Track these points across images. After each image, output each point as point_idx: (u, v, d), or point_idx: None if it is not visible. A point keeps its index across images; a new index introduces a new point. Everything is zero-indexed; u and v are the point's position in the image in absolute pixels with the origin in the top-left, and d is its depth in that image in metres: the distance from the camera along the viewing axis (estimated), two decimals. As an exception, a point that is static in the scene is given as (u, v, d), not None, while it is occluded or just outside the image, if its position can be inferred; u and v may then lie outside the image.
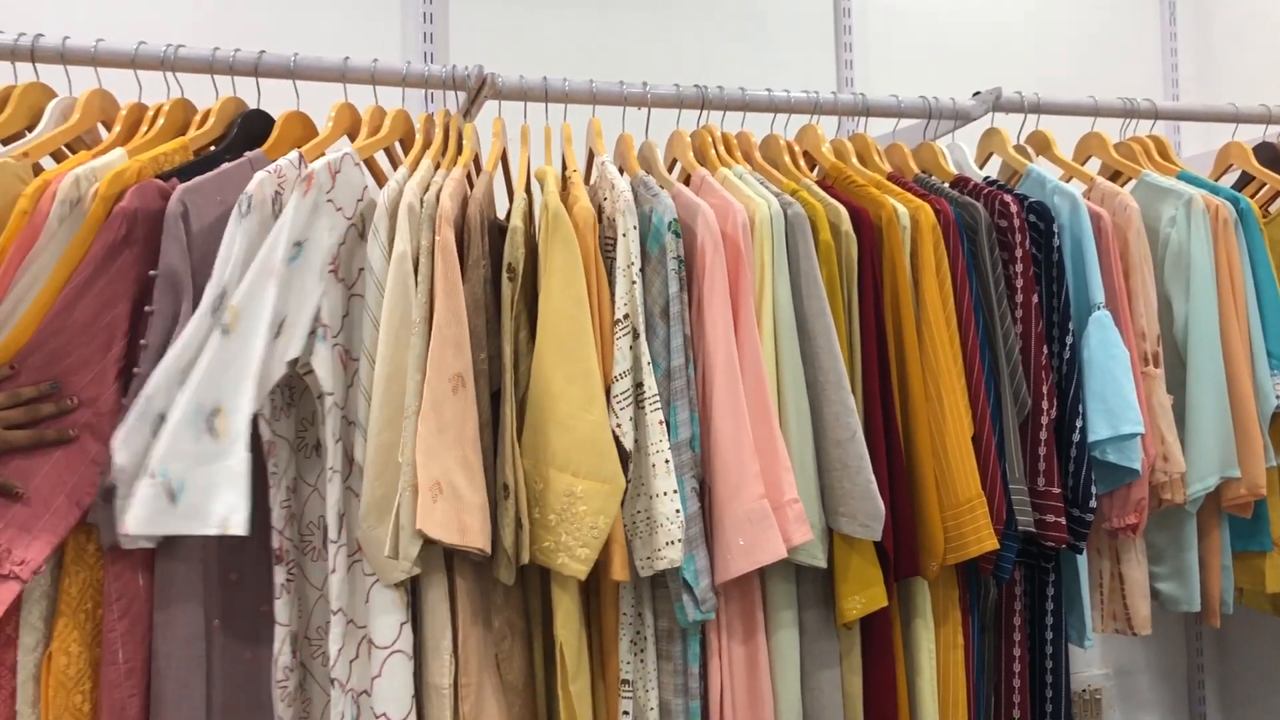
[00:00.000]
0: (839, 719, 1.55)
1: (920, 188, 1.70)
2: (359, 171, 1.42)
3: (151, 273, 1.26)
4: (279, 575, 1.34)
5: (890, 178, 1.73)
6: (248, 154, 1.41)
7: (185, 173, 1.35)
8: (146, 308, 1.26)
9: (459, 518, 1.30)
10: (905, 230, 1.59)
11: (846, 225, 1.56)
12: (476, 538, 1.31)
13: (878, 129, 1.91)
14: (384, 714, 1.32)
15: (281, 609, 1.33)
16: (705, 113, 1.76)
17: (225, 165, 1.36)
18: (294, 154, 1.37)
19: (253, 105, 1.54)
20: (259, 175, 1.31)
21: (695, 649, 1.47)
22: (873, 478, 1.47)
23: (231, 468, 1.24)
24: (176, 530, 1.20)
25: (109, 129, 1.51)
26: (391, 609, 1.34)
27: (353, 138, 1.60)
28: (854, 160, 1.80)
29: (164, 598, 1.29)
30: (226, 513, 1.23)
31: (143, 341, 1.25)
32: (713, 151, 1.73)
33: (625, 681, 1.47)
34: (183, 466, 1.21)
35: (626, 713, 1.47)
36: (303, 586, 1.42)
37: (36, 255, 1.23)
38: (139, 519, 1.17)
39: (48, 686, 1.21)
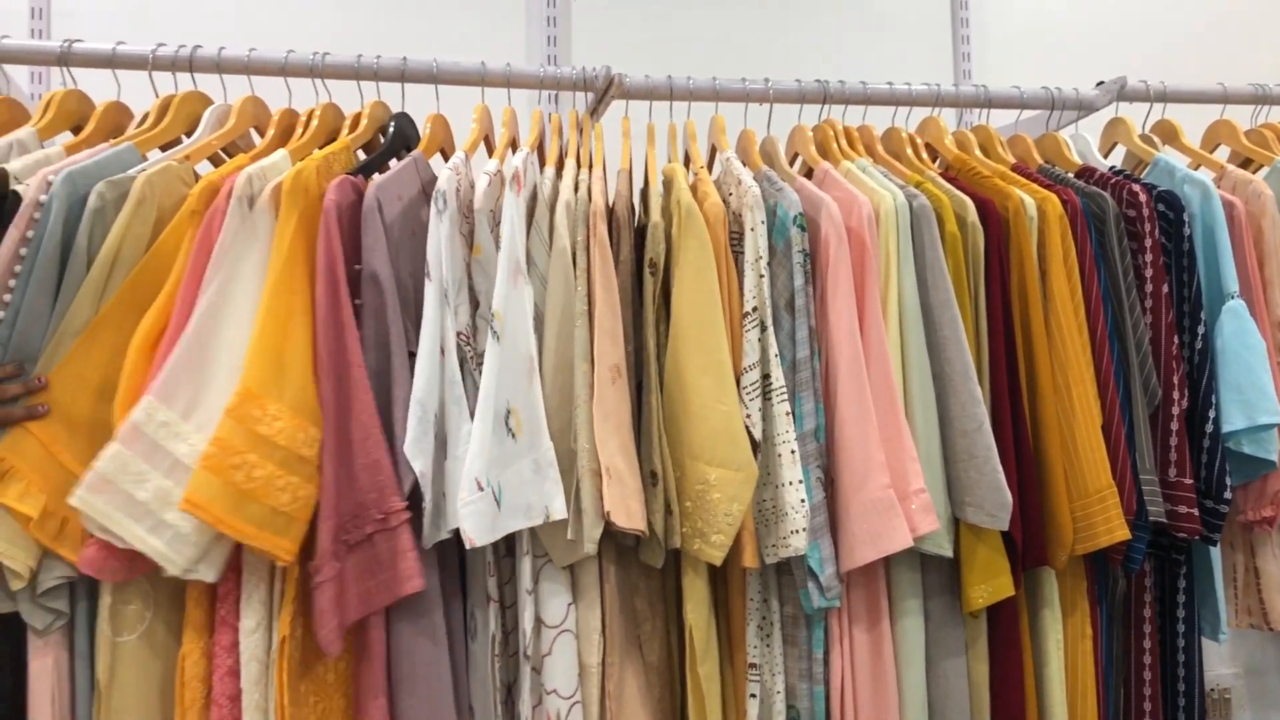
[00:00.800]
0: (964, 706, 1.56)
1: (1046, 178, 1.70)
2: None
3: (356, 267, 1.33)
4: (487, 555, 1.40)
5: (1015, 169, 1.73)
6: (411, 154, 1.48)
7: (362, 171, 1.43)
8: (356, 301, 1.33)
9: (625, 502, 1.36)
10: (1032, 221, 1.59)
11: (973, 216, 1.56)
12: (639, 520, 1.37)
13: (995, 121, 1.91)
14: (554, 690, 1.38)
15: (494, 587, 1.39)
16: (826, 107, 1.79)
17: (396, 164, 1.43)
18: (460, 155, 1.45)
19: (394, 109, 1.61)
20: (445, 173, 1.39)
21: (819, 635, 1.50)
22: (1000, 468, 1.47)
23: (537, 460, 1.34)
24: (509, 530, 1.30)
25: (261, 133, 1.59)
26: (561, 590, 1.40)
27: (489, 139, 1.66)
28: (977, 152, 1.80)
29: (403, 605, 1.34)
30: (546, 502, 1.34)
31: (361, 334, 1.32)
32: (835, 145, 1.75)
33: (752, 665, 1.50)
34: (497, 471, 1.29)
35: (754, 695, 1.50)
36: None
37: (227, 250, 1.30)
38: (480, 530, 1.26)
39: (281, 671, 1.28)
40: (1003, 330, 1.55)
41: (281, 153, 1.43)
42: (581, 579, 1.45)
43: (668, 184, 1.57)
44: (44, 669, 1.26)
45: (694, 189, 1.54)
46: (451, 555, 1.42)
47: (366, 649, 1.32)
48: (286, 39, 1.60)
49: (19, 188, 1.28)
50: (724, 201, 1.56)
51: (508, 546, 1.45)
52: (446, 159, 1.58)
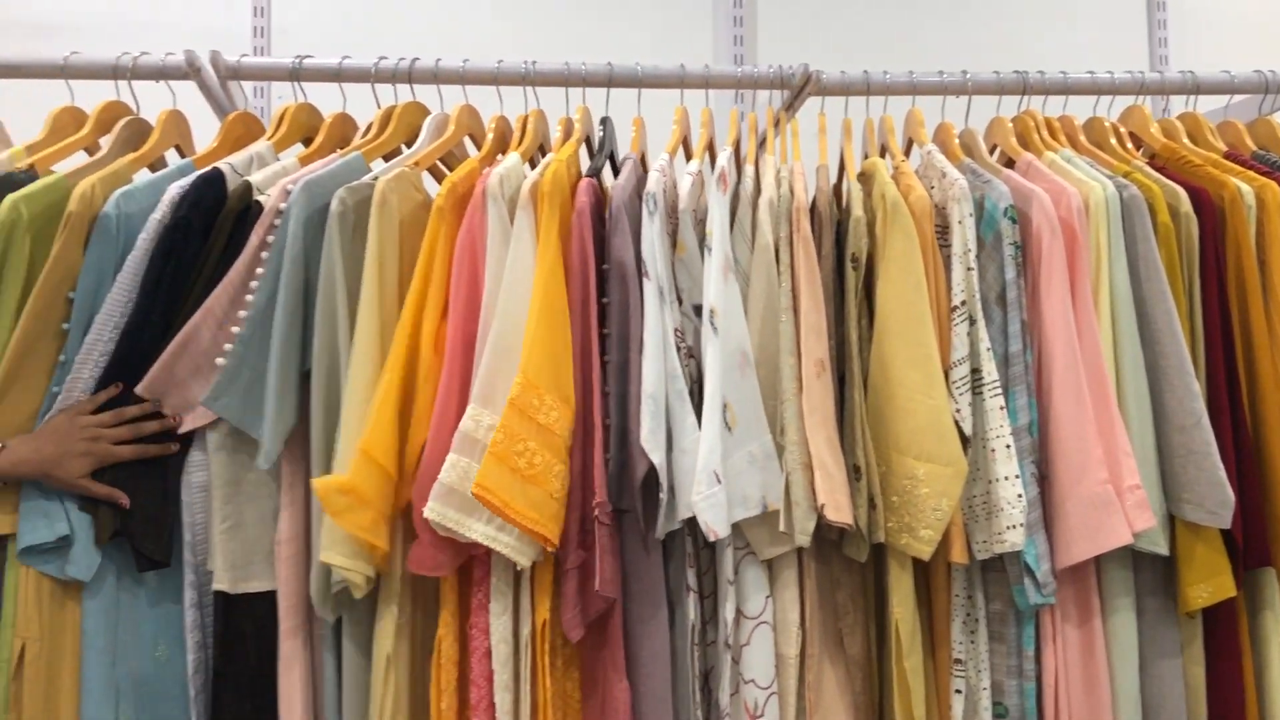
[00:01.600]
0: (1180, 709, 1.52)
1: (1263, 165, 1.64)
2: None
3: (604, 266, 1.40)
4: (688, 546, 1.44)
5: (1228, 156, 1.68)
6: (630, 155, 1.54)
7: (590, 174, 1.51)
8: (603, 299, 1.39)
9: (833, 495, 1.37)
10: (1250, 210, 1.54)
11: (1186, 206, 1.52)
12: (848, 514, 1.38)
13: (1199, 109, 1.84)
14: (752, 680, 1.41)
15: (694, 578, 1.43)
16: (1025, 99, 1.76)
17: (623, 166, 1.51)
18: (665, 156, 1.49)
19: (597, 113, 1.66)
20: (653, 175, 1.44)
21: (1030, 632, 1.48)
22: (1220, 464, 1.43)
23: (753, 453, 1.38)
24: (735, 519, 1.35)
25: (476, 142, 1.66)
26: (761, 582, 1.43)
27: (687, 141, 1.69)
28: (1185, 140, 1.75)
29: (636, 583, 1.40)
30: (764, 493, 1.38)
31: (605, 330, 1.39)
32: (1036, 136, 1.72)
33: (958, 661, 1.50)
34: (723, 464, 1.34)
35: (959, 691, 1.49)
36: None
37: (495, 249, 1.39)
38: (719, 521, 1.31)
39: (543, 654, 1.35)
40: (1219, 323, 1.51)
41: (514, 156, 1.50)
42: (780, 572, 1.47)
43: (867, 178, 1.58)
44: (294, 649, 1.36)
45: (896, 183, 1.54)
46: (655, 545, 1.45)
47: (607, 633, 1.38)
48: (474, 49, 1.67)
49: (261, 198, 1.37)
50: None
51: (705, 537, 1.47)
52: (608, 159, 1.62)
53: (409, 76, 1.59)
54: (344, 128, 1.62)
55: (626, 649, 1.39)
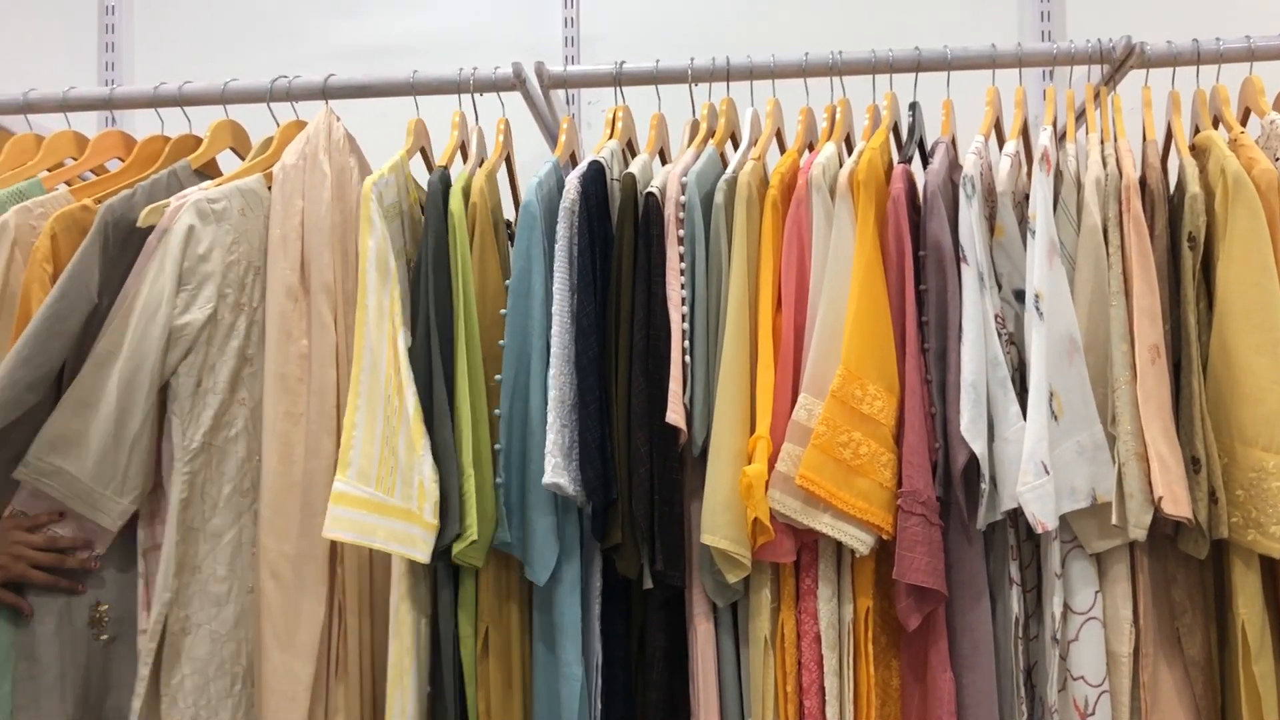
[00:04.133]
0: None
1: None
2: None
3: (920, 253, 1.41)
4: (1009, 538, 1.42)
5: None
6: (941, 140, 1.54)
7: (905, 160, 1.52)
8: (920, 286, 1.41)
9: (1170, 488, 1.32)
10: None
11: None
12: (1185, 507, 1.33)
13: None
14: (1081, 677, 1.37)
15: (1016, 570, 1.42)
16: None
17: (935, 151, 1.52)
18: (980, 138, 1.47)
19: (903, 99, 1.66)
20: (969, 158, 1.44)
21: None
22: None
23: (1081, 443, 1.36)
24: (1063, 511, 1.34)
25: (778, 134, 1.70)
26: (1090, 576, 1.39)
27: (999, 123, 1.66)
28: None
29: (957, 574, 1.39)
30: (1093, 485, 1.36)
31: (923, 318, 1.40)
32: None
33: (1313, 667, 1.39)
34: (1050, 454, 1.33)
35: (1315, 700, 1.39)
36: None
37: (820, 239, 1.43)
38: (1047, 513, 1.31)
39: (865, 640, 1.39)
40: None
41: (830, 146, 1.52)
42: (1111, 567, 1.42)
43: (1202, 152, 1.49)
44: (707, 633, 1.44)
45: (1236, 155, 1.45)
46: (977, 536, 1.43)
47: (933, 624, 1.38)
48: (777, 45, 1.69)
49: (653, 189, 1.44)
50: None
51: (1028, 530, 1.44)
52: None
53: (726, 75, 1.64)
54: (661, 130, 1.69)
55: (956, 641, 1.38)
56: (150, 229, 1.48)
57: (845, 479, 1.35)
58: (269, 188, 1.56)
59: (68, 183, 1.64)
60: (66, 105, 1.73)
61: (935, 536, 1.36)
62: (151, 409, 1.46)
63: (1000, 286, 1.47)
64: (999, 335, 1.40)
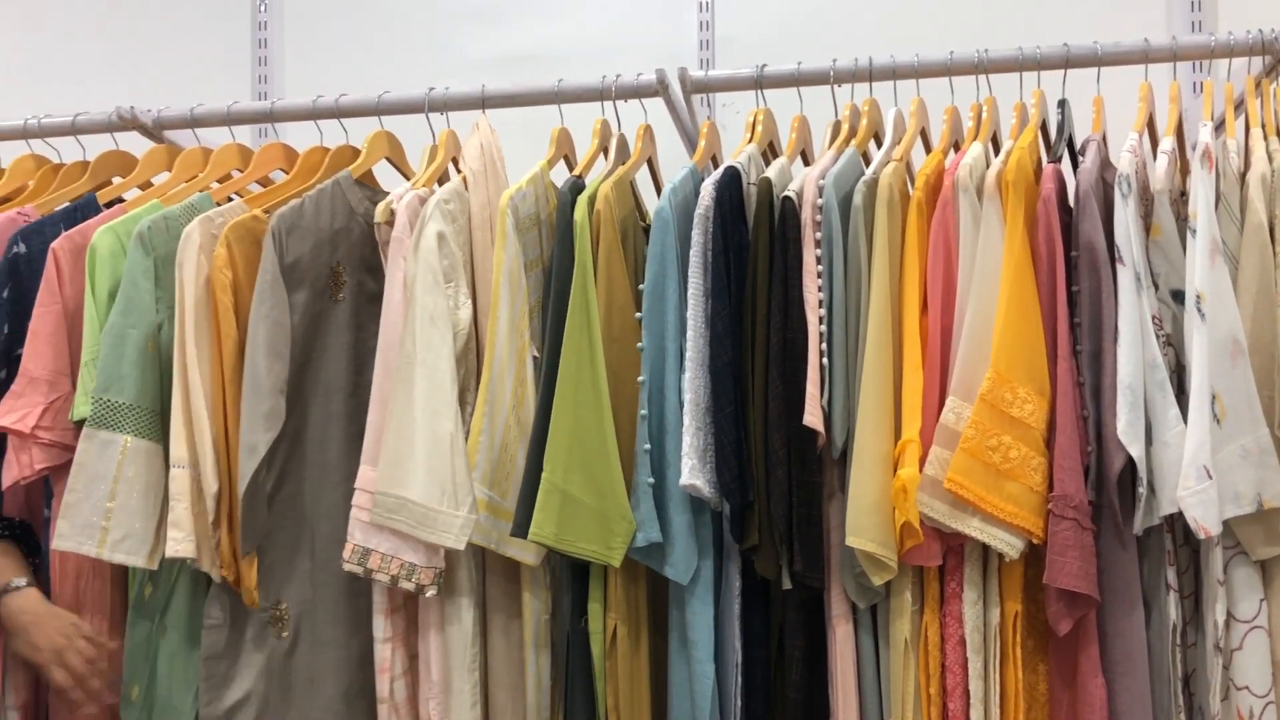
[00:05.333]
0: None
1: None
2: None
3: (1072, 253, 1.40)
4: (1166, 543, 1.40)
5: None
6: (1091, 137, 1.51)
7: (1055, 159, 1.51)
8: (1072, 287, 1.39)
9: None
10: None
11: None
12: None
13: None
14: (1245, 686, 1.34)
15: (1174, 576, 1.40)
16: None
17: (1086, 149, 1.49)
18: (1134, 135, 1.44)
19: (1051, 96, 1.63)
20: (1124, 156, 1.41)
21: None
22: None
23: (1246, 446, 1.33)
24: (1226, 516, 1.31)
25: (924, 135, 1.69)
26: (1254, 584, 1.36)
27: (1151, 117, 1.62)
28: None
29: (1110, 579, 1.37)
30: (1259, 490, 1.33)
31: (1075, 319, 1.39)
32: None
33: None
34: (1212, 458, 1.31)
35: None
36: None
37: (967, 240, 1.42)
38: (1210, 518, 1.29)
39: (1014, 645, 1.38)
40: None
41: (978, 146, 1.51)
42: (1278, 574, 1.37)
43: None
44: (847, 634, 1.45)
45: None
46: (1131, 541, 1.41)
47: (1084, 629, 1.36)
48: (915, 45, 1.68)
49: (790, 193, 1.45)
50: None
51: (1186, 534, 1.40)
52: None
53: (869, 75, 1.64)
54: (805, 131, 1.69)
55: (1108, 648, 1.36)
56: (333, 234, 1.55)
57: (994, 483, 1.34)
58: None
59: (237, 193, 1.72)
60: (231, 119, 1.82)
61: (1087, 541, 1.34)
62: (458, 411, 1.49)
63: (1157, 287, 1.43)
64: (1156, 337, 1.37)
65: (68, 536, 1.49)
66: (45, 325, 1.59)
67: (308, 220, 1.57)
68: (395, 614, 1.55)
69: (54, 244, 1.60)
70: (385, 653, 1.53)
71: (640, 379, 1.46)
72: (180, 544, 1.51)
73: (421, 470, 1.44)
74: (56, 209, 1.72)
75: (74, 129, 1.86)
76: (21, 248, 1.64)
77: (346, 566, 1.49)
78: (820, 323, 1.43)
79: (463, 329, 1.52)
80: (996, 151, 1.62)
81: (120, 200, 1.78)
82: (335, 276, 1.61)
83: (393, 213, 1.55)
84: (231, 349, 1.52)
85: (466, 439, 1.48)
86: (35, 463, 1.55)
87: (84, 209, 1.72)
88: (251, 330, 1.50)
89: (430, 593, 1.48)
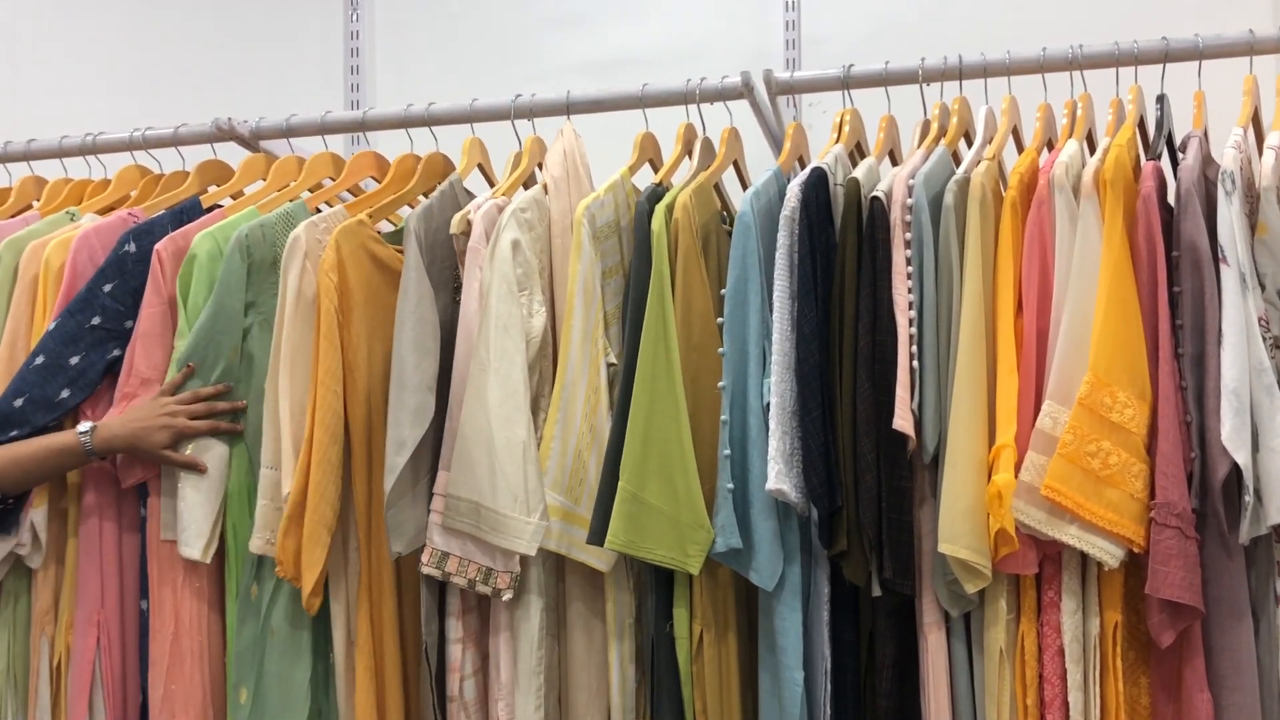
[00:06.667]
0: None
1: None
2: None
3: (1173, 253, 1.36)
4: (1275, 554, 1.36)
5: None
6: (1192, 134, 1.48)
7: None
8: (1173, 288, 1.36)
9: None
10: None
11: None
12: None
13: None
14: None
15: None
16: None
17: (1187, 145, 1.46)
18: (1238, 131, 1.41)
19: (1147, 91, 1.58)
20: (1228, 152, 1.38)
21: None
22: None
23: None
24: None
25: (1016, 133, 1.66)
26: None
27: (1256, 112, 1.56)
28: None
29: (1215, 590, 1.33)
30: None
31: (1177, 321, 1.35)
32: None
33: None
34: None
35: None
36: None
37: (1063, 240, 1.40)
38: None
39: (1114, 656, 1.35)
40: None
41: (1073, 143, 1.48)
42: None
43: None
44: (939, 642, 1.43)
45: None
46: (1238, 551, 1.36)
47: (1188, 642, 1.32)
48: (1010, 41, 1.64)
49: (879, 193, 1.43)
50: None
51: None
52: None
53: (959, 74, 1.61)
54: (890, 130, 1.67)
55: (1215, 661, 1.32)
56: (450, 237, 1.58)
57: (1094, 489, 1.31)
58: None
59: (328, 203, 1.76)
60: (325, 128, 1.86)
61: (1191, 550, 1.30)
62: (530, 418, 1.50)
63: (1263, 287, 1.39)
64: (1263, 339, 1.33)
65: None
66: (153, 325, 1.65)
67: (436, 220, 1.60)
68: (468, 614, 1.57)
69: (157, 245, 1.66)
70: (456, 652, 1.55)
71: (721, 384, 1.46)
72: (259, 542, 1.57)
73: (494, 476, 1.46)
74: (163, 211, 1.78)
75: (175, 140, 1.92)
76: (131, 247, 1.69)
77: (424, 569, 1.51)
78: (910, 325, 1.41)
79: (536, 336, 1.53)
80: (1092, 150, 1.58)
81: (219, 206, 1.83)
82: (456, 278, 1.63)
83: (469, 223, 1.56)
84: (329, 351, 1.55)
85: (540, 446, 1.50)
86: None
87: (189, 211, 1.78)
88: (399, 327, 1.53)
89: (506, 596, 1.50)
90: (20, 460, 1.61)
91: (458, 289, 1.62)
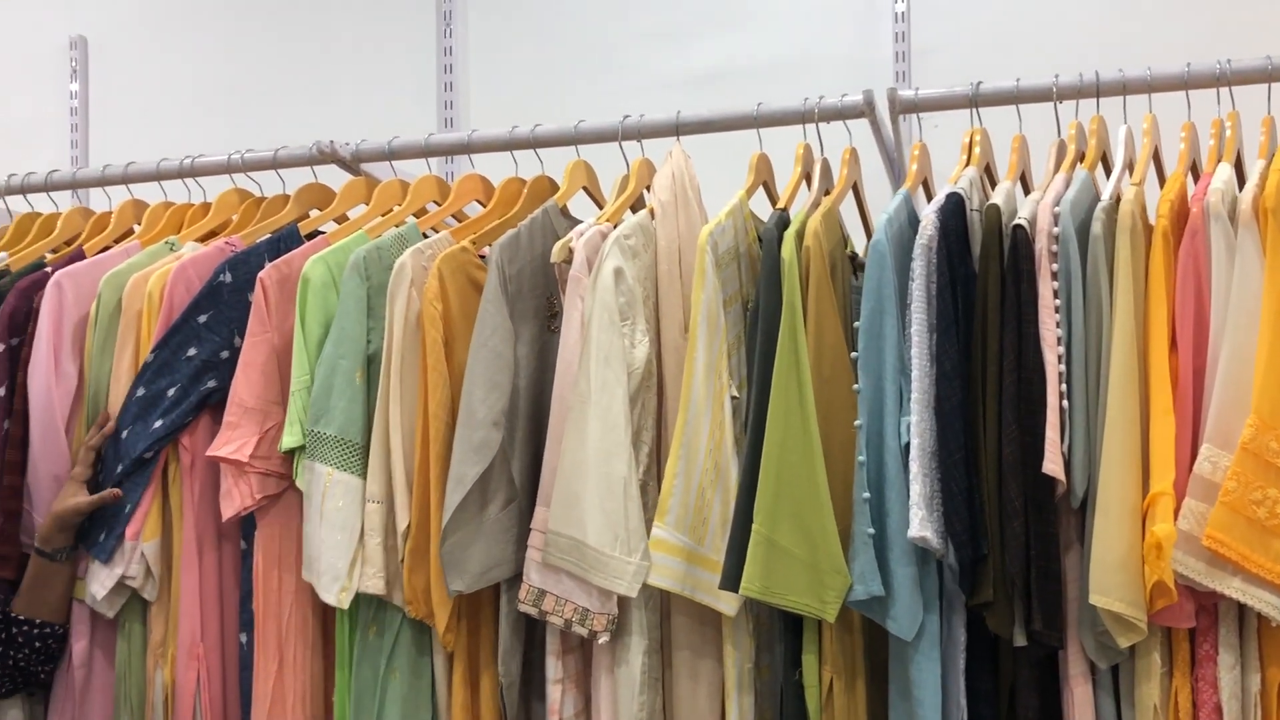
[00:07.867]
0: None
1: None
2: None
3: None
4: None
5: None
6: None
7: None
8: None
9: None
10: None
11: None
12: None
13: None
14: None
15: None
16: None
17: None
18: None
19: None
20: None
21: None
22: None
23: None
24: None
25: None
26: None
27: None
28: None
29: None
30: None
31: None
32: None
33: None
34: None
35: None
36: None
37: (1220, 273, 1.33)
38: None
39: (1262, 714, 1.29)
40: None
41: (1226, 167, 1.41)
42: None
43: None
44: (1085, 695, 1.36)
45: None
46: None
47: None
48: (1133, 49, 1.56)
49: (1022, 221, 1.36)
50: None
51: None
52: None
53: (1096, 91, 1.53)
54: (1023, 152, 1.59)
55: None
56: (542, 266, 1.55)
57: (1260, 540, 1.24)
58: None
59: (434, 228, 1.72)
60: (428, 151, 1.82)
61: None
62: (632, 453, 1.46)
63: None
64: None
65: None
66: (258, 355, 1.62)
67: (524, 250, 1.56)
68: (568, 655, 1.52)
69: (261, 274, 1.63)
70: (555, 694, 1.50)
71: (857, 423, 1.39)
72: (371, 579, 1.53)
73: (594, 513, 1.42)
74: (259, 240, 1.75)
75: (274, 163, 1.89)
76: (227, 276, 1.67)
77: (521, 607, 1.47)
78: (1059, 362, 1.33)
79: (638, 367, 1.48)
80: (1239, 174, 1.50)
81: (319, 233, 1.80)
82: (550, 306, 1.59)
83: (571, 251, 1.52)
84: (438, 382, 1.51)
85: (658, 481, 1.46)
86: (255, 492, 1.59)
87: (286, 239, 1.75)
88: (471, 359, 1.49)
89: (603, 639, 1.45)
90: (25, 592, 1.65)
91: (552, 317, 1.58)
